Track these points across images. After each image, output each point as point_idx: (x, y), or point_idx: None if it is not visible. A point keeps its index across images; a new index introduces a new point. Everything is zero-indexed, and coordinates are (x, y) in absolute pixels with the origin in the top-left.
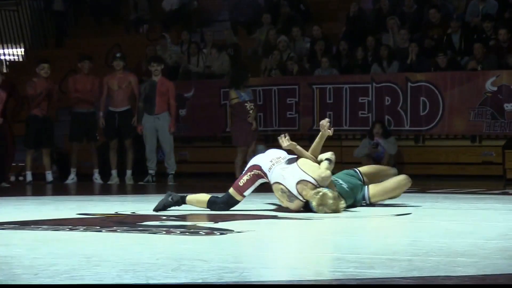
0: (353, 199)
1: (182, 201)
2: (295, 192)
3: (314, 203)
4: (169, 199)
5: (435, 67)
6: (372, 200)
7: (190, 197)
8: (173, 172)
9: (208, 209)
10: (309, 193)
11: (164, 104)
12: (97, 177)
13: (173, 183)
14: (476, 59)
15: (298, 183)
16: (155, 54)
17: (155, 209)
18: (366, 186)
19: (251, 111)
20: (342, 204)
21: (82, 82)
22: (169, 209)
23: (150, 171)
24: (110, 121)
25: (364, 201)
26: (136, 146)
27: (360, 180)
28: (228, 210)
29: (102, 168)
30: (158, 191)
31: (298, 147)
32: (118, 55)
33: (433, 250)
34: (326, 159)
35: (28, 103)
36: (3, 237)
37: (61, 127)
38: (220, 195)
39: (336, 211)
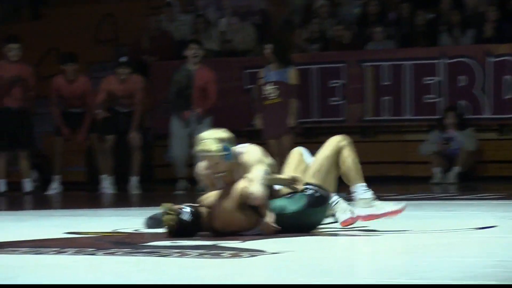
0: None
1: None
2: None
3: None
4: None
5: None
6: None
7: None
8: None
9: None
10: None
11: (203, 102)
12: (108, 186)
13: None
14: None
15: None
16: (157, 26)
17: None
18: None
19: (271, 96)
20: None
21: (69, 89)
22: None
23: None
24: (113, 117)
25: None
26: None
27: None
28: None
29: (92, 173)
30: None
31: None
32: (123, 59)
33: None
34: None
35: None
36: None
37: (40, 122)
38: None
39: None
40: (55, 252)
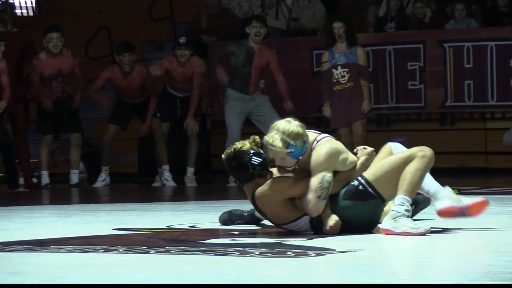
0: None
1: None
2: None
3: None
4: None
5: None
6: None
7: None
8: None
9: None
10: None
11: (259, 82)
12: (167, 177)
13: None
14: None
15: None
16: (216, 3)
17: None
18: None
19: (342, 81)
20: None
21: (125, 82)
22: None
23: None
24: (169, 103)
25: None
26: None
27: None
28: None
29: (144, 164)
30: (232, 196)
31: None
32: (182, 40)
33: None
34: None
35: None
36: (12, 262)
37: (88, 108)
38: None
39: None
40: (103, 250)
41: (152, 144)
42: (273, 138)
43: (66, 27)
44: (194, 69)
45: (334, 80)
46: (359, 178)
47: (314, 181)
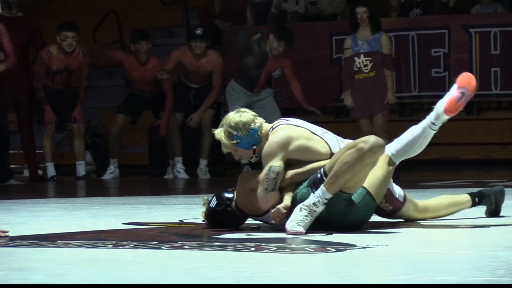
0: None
1: None
2: None
3: None
4: None
5: None
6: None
7: None
8: None
9: None
10: None
11: (265, 84)
12: (180, 170)
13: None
14: None
15: None
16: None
17: None
18: None
19: (364, 70)
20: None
21: (140, 72)
22: None
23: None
24: (183, 93)
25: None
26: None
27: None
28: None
29: (155, 155)
30: None
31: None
32: (198, 31)
33: None
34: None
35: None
36: (16, 258)
37: (96, 96)
38: None
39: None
40: (112, 245)
41: (163, 135)
42: (218, 133)
43: (72, 11)
44: (212, 67)
45: (356, 69)
46: (321, 168)
47: (262, 173)
